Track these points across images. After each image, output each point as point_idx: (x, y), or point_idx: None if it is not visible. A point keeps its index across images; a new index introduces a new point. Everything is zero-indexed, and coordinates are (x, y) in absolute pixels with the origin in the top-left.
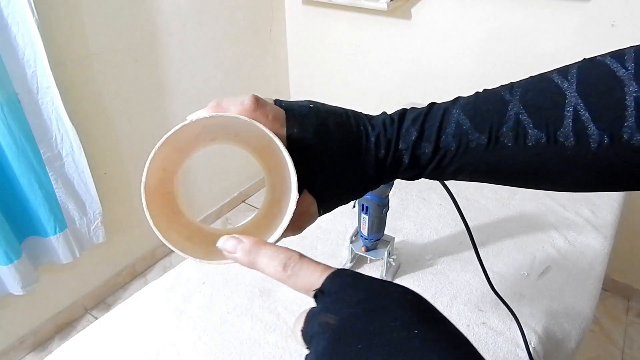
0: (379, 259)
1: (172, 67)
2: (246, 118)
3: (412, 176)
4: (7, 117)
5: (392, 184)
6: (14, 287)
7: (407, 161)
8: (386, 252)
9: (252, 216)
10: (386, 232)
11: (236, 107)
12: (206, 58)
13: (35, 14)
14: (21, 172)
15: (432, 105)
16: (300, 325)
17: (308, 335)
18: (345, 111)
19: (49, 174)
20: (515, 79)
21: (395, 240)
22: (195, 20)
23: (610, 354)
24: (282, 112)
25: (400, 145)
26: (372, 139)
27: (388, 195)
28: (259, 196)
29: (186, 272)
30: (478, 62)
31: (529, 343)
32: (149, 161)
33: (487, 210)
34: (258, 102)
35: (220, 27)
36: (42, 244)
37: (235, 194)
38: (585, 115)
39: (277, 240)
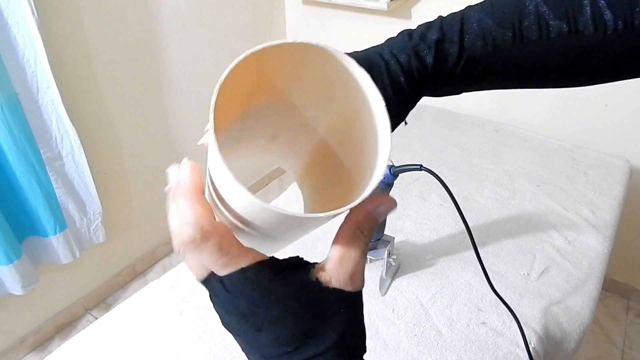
0: (379, 259)
1: (172, 67)
2: (329, 46)
3: (440, 86)
4: (7, 117)
5: (392, 184)
6: (14, 287)
7: (431, 61)
8: (386, 252)
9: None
10: (386, 232)
11: None
12: (206, 58)
13: (35, 14)
14: (21, 172)
15: (441, 16)
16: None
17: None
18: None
19: (49, 174)
20: None
21: (395, 240)
22: (195, 20)
23: (610, 354)
24: None
25: (421, 46)
26: (386, 51)
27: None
28: (259, 196)
29: (186, 272)
30: None
31: (529, 343)
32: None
33: (487, 210)
34: None
35: (220, 27)
36: (42, 244)
37: None
38: (601, 2)
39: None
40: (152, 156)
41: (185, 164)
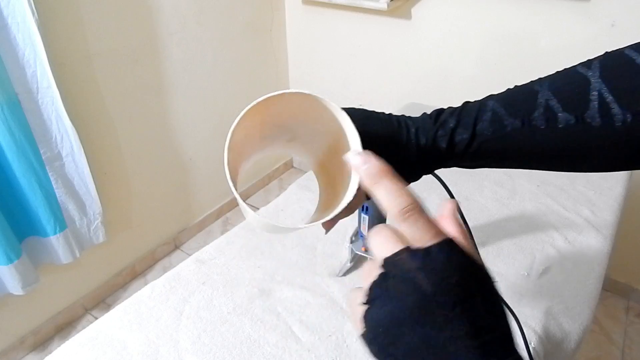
0: None
1: (172, 67)
2: (318, 95)
3: (451, 164)
4: (7, 117)
5: None
6: (14, 287)
7: (444, 145)
8: None
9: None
10: None
11: None
12: (206, 58)
13: (35, 14)
14: (21, 172)
15: (467, 102)
16: (370, 276)
17: (380, 284)
18: (389, 114)
19: (49, 174)
20: (515, 78)
21: None
22: (195, 20)
23: (610, 354)
24: None
25: (439, 132)
26: (412, 130)
27: None
28: (259, 196)
29: (186, 272)
30: (478, 62)
31: (529, 343)
32: (233, 128)
33: (487, 210)
34: None
35: (220, 27)
36: (42, 244)
37: None
38: (609, 98)
39: (336, 216)
40: (152, 156)
41: (357, 154)
